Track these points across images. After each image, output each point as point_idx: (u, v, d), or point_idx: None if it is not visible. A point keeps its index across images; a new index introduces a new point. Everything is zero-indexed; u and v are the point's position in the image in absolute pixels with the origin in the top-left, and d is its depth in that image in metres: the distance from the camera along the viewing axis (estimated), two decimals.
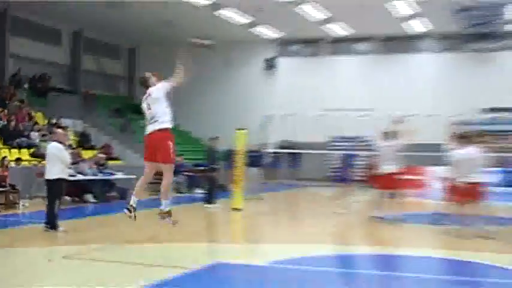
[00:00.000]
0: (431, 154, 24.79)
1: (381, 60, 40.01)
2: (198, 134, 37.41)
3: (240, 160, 20.77)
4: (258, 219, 19.99)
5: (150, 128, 10.43)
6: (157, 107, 10.36)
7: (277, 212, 22.81)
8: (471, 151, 15.36)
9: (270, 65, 41.37)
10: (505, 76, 37.39)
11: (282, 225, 18.51)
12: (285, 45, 41.64)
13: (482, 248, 13.69)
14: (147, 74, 10.83)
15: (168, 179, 10.52)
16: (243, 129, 21.29)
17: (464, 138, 15.91)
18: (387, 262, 12.59)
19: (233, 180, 21.06)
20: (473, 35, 36.33)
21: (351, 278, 10.88)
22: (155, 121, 10.35)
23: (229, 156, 22.13)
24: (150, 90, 10.53)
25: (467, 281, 10.85)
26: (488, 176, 16.19)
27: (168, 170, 10.48)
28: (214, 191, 21.11)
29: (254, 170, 24.21)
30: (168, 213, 10.61)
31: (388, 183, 17.61)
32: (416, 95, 37.67)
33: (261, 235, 16.17)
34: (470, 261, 12.26)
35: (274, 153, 33.34)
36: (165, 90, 10.35)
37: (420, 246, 14.12)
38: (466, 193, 15.04)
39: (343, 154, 21.97)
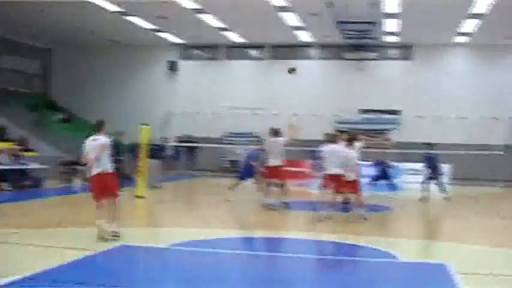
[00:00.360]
0: (315, 149, 25.25)
1: (272, 65, 40.40)
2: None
3: (143, 152, 20.75)
4: (159, 205, 20.01)
5: (97, 169, 11.95)
6: (105, 154, 12.07)
7: (176, 200, 22.88)
8: (337, 147, 15.87)
9: (172, 67, 41.20)
10: (378, 82, 38.55)
11: (181, 211, 18.60)
12: (187, 49, 41.57)
13: (358, 231, 14.15)
14: (106, 123, 12.56)
15: (117, 207, 12.16)
16: (146, 124, 21.28)
17: (333, 137, 16.51)
18: (274, 244, 12.84)
19: (137, 170, 21.01)
20: (351, 46, 37.22)
21: (243, 258, 11.05)
22: (99, 162, 11.92)
23: (134, 149, 22.02)
24: (105, 138, 12.33)
25: (344, 260, 11.21)
26: (359, 169, 16.68)
27: (115, 201, 12.13)
28: (120, 180, 20.95)
29: (156, 161, 24.17)
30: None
31: (275, 174, 18.01)
32: (303, 96, 38.31)
33: (162, 220, 16.20)
34: (347, 243, 12.65)
35: (175, 146, 33.37)
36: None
37: (302, 229, 14.44)
38: (335, 183, 15.56)
39: (251, 149, 22.27)
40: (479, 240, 13.34)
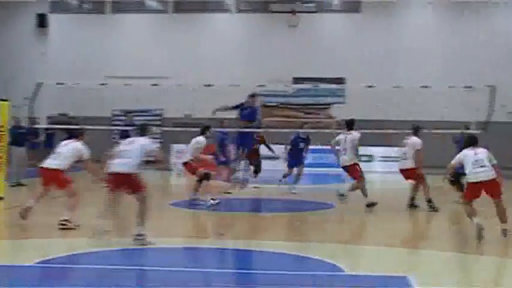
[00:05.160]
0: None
1: (177, 20, 40.02)
2: None
3: (2, 138, 20.13)
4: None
5: None
6: None
7: (48, 200, 22.24)
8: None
9: (41, 22, 40.29)
10: (316, 43, 38.58)
11: (53, 216, 18.02)
12: None
13: None
14: None
15: None
16: (5, 100, 20.65)
17: None
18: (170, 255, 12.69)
19: None
20: None
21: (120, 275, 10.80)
22: None
23: None
24: None
25: None
26: None
27: None
28: None
29: (20, 149, 23.69)
30: None
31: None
32: (219, 62, 38.02)
33: (25, 229, 15.68)
34: None
35: (47, 129, 32.66)
36: None
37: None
38: None
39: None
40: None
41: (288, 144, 24.13)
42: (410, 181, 19.73)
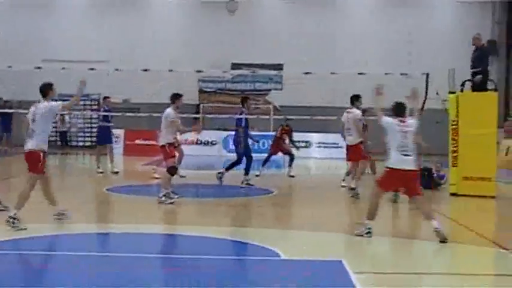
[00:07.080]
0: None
1: (116, 3, 39.70)
2: None
3: None
4: None
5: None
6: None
7: None
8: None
9: None
10: (255, 28, 38.65)
11: None
12: None
13: None
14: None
15: None
16: None
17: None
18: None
19: None
20: None
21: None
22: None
23: None
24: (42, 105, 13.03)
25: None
26: None
27: None
28: None
29: None
30: None
31: None
32: (156, 47, 37.90)
33: None
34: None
35: None
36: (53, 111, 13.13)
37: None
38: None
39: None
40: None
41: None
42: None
